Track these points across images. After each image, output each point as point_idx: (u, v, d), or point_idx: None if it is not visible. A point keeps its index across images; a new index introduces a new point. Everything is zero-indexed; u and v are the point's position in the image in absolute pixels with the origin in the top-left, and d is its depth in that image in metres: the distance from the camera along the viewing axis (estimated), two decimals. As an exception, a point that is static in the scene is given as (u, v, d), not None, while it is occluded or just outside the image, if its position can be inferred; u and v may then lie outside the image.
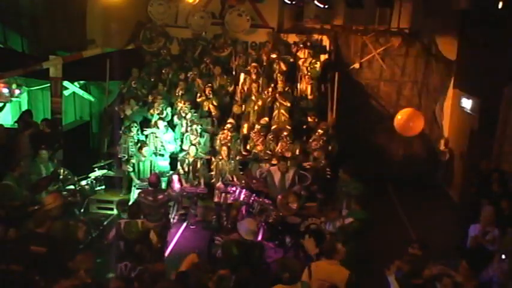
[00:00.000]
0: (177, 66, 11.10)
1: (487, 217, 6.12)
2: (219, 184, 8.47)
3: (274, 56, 10.81)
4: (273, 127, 9.78)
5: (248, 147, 9.40)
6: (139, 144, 9.04)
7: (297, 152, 9.02)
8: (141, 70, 10.94)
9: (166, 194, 7.11)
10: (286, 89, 10.28)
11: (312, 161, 8.83)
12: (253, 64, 10.66)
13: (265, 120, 9.77)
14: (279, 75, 10.43)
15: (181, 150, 9.54)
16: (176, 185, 8.54)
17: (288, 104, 9.99)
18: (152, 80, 10.90)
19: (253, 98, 10.14)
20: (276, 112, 10.03)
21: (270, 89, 10.17)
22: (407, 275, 4.98)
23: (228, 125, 9.55)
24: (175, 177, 8.64)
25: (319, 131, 9.21)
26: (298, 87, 10.68)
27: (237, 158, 9.05)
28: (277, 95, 10.04)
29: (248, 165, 9.13)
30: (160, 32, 11.52)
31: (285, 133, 9.28)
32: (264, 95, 10.18)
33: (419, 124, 9.54)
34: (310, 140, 9.21)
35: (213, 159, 9.01)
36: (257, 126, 9.51)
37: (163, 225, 6.86)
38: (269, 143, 9.20)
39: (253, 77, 10.52)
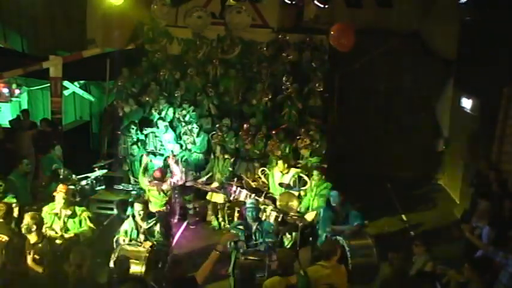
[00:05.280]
0: (171, 66, 11.01)
1: (480, 211, 6.14)
2: (197, 179, 8.50)
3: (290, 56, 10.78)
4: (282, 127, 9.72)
5: (237, 146, 9.34)
6: (133, 143, 9.12)
7: (287, 150, 9.00)
8: (130, 70, 10.85)
9: (169, 184, 7.52)
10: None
11: (301, 160, 8.82)
12: (263, 64, 10.71)
13: (253, 119, 9.70)
14: (286, 76, 10.44)
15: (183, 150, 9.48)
16: (175, 168, 8.40)
17: (300, 106, 9.94)
18: (145, 79, 10.82)
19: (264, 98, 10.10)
20: (286, 111, 10.00)
21: (289, 88, 10.13)
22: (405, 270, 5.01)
23: (218, 125, 9.51)
24: (171, 161, 8.52)
25: (303, 129, 9.20)
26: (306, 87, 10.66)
27: (226, 157, 8.94)
28: (292, 95, 10.00)
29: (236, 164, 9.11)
30: (162, 32, 11.50)
31: (274, 131, 9.26)
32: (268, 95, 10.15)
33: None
34: (297, 138, 9.18)
35: (211, 157, 9.03)
36: (245, 125, 9.40)
37: (166, 213, 7.39)
38: (258, 143, 9.19)
39: (263, 77, 10.55)
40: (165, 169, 8.11)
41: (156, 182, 7.46)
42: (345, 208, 6.67)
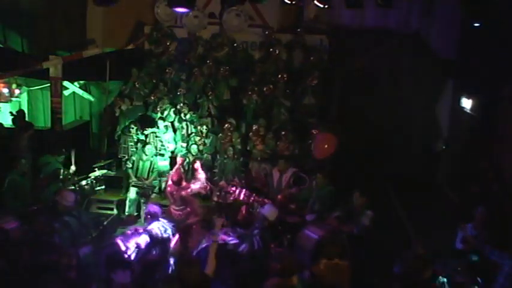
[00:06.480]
0: (177, 66, 11.07)
1: (478, 220, 6.13)
2: (222, 182, 8.42)
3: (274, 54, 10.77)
4: (272, 127, 9.76)
5: (248, 147, 9.39)
6: (144, 143, 9.15)
7: (296, 152, 9.00)
8: (140, 70, 10.90)
9: (189, 190, 7.38)
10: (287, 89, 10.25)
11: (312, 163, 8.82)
12: (259, 64, 10.71)
13: (263, 120, 9.74)
14: (278, 75, 10.44)
15: (186, 152, 9.46)
16: (201, 174, 8.00)
17: (288, 104, 9.98)
18: (154, 81, 10.86)
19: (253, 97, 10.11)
20: (275, 111, 10.02)
21: (271, 87, 10.16)
22: (407, 275, 4.99)
23: (227, 125, 9.52)
24: (198, 165, 8.15)
25: (313, 132, 9.20)
26: (299, 86, 10.67)
27: (236, 157, 8.99)
28: (277, 94, 10.01)
29: (248, 165, 9.14)
30: (166, 33, 11.49)
31: (283, 132, 9.27)
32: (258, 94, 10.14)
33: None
34: (310, 142, 9.18)
35: (218, 158, 9.05)
36: (255, 126, 9.45)
37: (187, 213, 7.38)
38: (269, 142, 9.20)
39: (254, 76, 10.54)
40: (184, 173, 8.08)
41: (174, 187, 7.26)
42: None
